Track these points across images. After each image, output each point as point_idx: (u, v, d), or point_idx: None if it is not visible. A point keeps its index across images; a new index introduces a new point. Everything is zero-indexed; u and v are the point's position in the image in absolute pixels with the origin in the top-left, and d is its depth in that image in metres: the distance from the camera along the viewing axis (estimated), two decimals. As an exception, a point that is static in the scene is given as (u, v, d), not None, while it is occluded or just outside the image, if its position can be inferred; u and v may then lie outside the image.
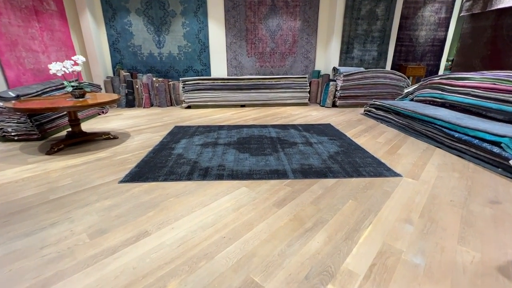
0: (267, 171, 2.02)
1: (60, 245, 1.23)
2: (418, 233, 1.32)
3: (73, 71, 2.48)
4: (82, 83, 2.79)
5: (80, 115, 3.50)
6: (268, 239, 1.27)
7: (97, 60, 4.37)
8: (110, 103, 2.54)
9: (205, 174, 1.97)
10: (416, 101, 3.67)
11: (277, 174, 1.97)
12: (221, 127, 3.32)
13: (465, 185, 1.82)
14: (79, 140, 2.63)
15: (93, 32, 4.27)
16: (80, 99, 2.54)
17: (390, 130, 3.21)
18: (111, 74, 4.72)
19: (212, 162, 2.20)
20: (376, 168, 2.07)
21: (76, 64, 2.55)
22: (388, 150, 2.51)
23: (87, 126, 3.37)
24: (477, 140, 2.23)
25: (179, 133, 3.07)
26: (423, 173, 2.01)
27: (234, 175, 1.95)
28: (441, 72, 5.63)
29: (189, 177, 1.92)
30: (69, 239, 1.27)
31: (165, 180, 1.88)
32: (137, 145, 2.64)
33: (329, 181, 1.86)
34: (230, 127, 3.31)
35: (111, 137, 2.83)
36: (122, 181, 1.86)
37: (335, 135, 2.99)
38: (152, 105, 4.78)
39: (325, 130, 3.18)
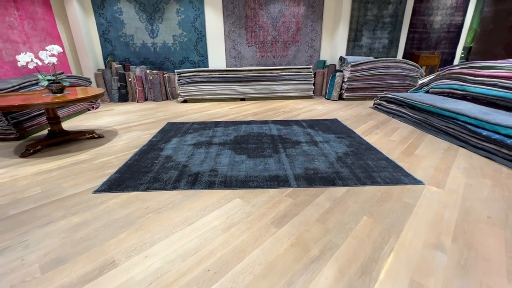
0: (266, 178, 1.75)
1: (2, 282, 0.99)
2: (454, 265, 1.04)
3: (48, 63, 2.21)
4: (61, 76, 2.51)
5: (65, 111, 3.25)
6: (263, 274, 1.01)
7: (87, 52, 4.09)
8: (91, 98, 2.27)
9: (194, 181, 1.71)
10: (432, 93, 3.33)
11: (277, 181, 1.70)
12: (217, 124, 3.04)
13: (501, 195, 1.53)
14: (59, 140, 2.39)
15: (81, 20, 3.97)
16: (58, 95, 2.27)
17: (404, 126, 2.89)
18: (102, 66, 4.43)
19: (203, 166, 1.94)
20: (392, 173, 1.79)
21: (52, 55, 2.27)
22: (404, 150, 2.21)
23: (72, 123, 3.12)
24: (511, 140, 1.91)
25: (171, 130, 2.81)
26: (448, 179, 1.72)
27: (228, 183, 1.68)
28: (456, 62, 5.22)
29: (175, 185, 1.66)
30: (16, 272, 1.03)
31: (147, 189, 1.62)
32: (123, 146, 2.38)
33: (338, 190, 1.58)
34: (227, 124, 3.03)
35: (96, 136, 2.57)
36: (97, 191, 1.61)
37: (343, 132, 2.69)
38: (146, 99, 4.51)
39: (332, 127, 2.88)
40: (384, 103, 3.53)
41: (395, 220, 1.31)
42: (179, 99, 4.35)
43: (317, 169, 1.86)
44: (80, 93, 2.42)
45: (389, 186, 1.63)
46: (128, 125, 3.06)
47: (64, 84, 2.30)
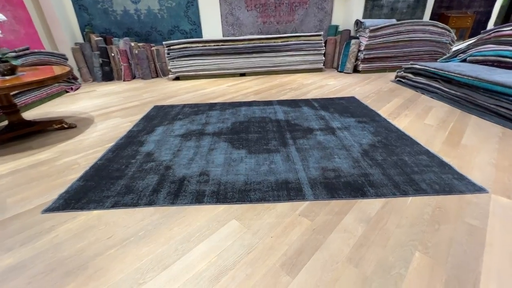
0: (272, 184, 1.32)
1: None
2: None
3: (-11, 36, 1.71)
4: (7, 53, 2.01)
5: (36, 95, 2.78)
6: None
7: (59, 22, 3.49)
8: (50, 81, 1.80)
9: (178, 191, 1.30)
10: (472, 62, 2.75)
11: (288, 189, 1.28)
12: (212, 106, 2.56)
13: None
14: (19, 133, 1.96)
15: (48, -17, 3.33)
16: (7, 77, 1.80)
17: (438, 104, 2.38)
18: (80, 39, 3.86)
19: (192, 166, 1.51)
20: (439, 175, 1.34)
21: (-5, 25, 1.75)
22: (447, 138, 1.74)
23: (43, 110, 2.67)
24: None
25: (156, 116, 2.35)
26: (517, 183, 1.28)
27: (222, 194, 1.27)
28: (491, 23, 4.47)
29: (152, 198, 1.25)
30: None
31: (114, 205, 1.22)
32: (96, 139, 1.95)
33: (371, 205, 1.16)
34: (224, 106, 2.55)
35: (66, 126, 2.14)
36: (47, 210, 1.21)
37: (364, 114, 2.20)
38: (134, 77, 3.99)
39: (350, 108, 2.39)
40: (410, 75, 2.97)
41: (463, 257, 0.90)
42: (170, 76, 3.82)
43: (339, 170, 1.43)
44: (39, 74, 1.94)
45: (440, 196, 1.20)
46: (108, 110, 2.60)
47: (14, 63, 1.81)
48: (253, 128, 2.01)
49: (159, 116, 2.36)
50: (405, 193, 1.22)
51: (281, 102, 2.61)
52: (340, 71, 3.89)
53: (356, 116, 2.17)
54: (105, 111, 2.56)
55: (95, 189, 1.34)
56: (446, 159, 1.49)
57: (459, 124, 1.95)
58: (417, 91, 2.78)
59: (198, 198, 1.24)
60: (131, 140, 1.89)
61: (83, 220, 1.14)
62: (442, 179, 1.31)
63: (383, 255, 0.91)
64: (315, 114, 2.25)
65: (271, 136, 1.86)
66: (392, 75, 3.50)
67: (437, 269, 0.86)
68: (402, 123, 2.00)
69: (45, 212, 1.20)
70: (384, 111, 2.26)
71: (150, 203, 1.22)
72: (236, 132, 1.96)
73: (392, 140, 1.74)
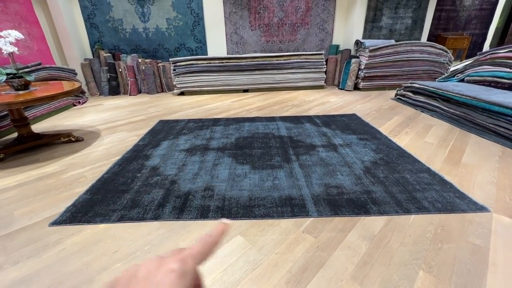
0: (276, 200, 1.34)
1: None
2: None
3: (6, 53, 1.79)
4: (21, 68, 2.10)
5: (45, 108, 2.86)
6: None
7: (70, 39, 3.64)
8: (61, 96, 1.87)
9: (183, 206, 1.32)
10: (469, 82, 2.83)
11: (291, 205, 1.30)
12: (216, 122, 2.62)
13: None
14: (28, 146, 2.00)
15: (62, 3, 3.50)
16: (21, 92, 1.87)
17: (437, 122, 2.43)
18: (89, 55, 4.00)
19: (196, 181, 1.54)
20: (441, 194, 1.36)
21: (12, 43, 1.84)
22: (448, 157, 1.77)
23: (51, 123, 2.73)
24: None
25: (162, 131, 2.40)
26: (519, 202, 1.29)
27: (226, 209, 1.29)
28: (487, 44, 4.62)
29: (157, 213, 1.27)
30: None
31: (120, 219, 1.24)
32: (103, 152, 1.99)
33: (374, 222, 1.17)
34: (228, 121, 2.61)
35: (73, 139, 2.18)
36: (55, 223, 1.23)
37: (365, 131, 2.25)
38: (140, 92, 4.09)
39: (351, 125, 2.44)
40: (410, 94, 3.04)
41: (467, 277, 0.90)
42: (175, 91, 3.92)
43: (341, 187, 1.45)
44: (50, 89, 2.01)
45: (442, 214, 1.21)
46: (115, 124, 2.66)
47: (28, 78, 1.89)
48: (256, 144, 2.05)
49: (164, 130, 2.41)
50: (407, 211, 1.24)
51: (284, 118, 2.66)
52: (341, 89, 3.98)
53: (358, 133, 2.21)
54: (112, 125, 2.62)
55: (102, 203, 1.36)
56: (447, 177, 1.51)
57: (459, 142, 1.99)
58: (416, 109, 2.84)
59: (203, 213, 1.26)
60: (137, 154, 1.92)
61: (89, 233, 1.15)
62: (444, 198, 1.33)
63: (387, 274, 0.92)
64: (317, 131, 2.29)
65: (275, 152, 1.90)
66: (392, 93, 3.58)
67: (442, 289, 0.86)
68: (403, 141, 2.04)
69: (52, 225, 1.21)
70: (385, 129, 2.30)
71: (156, 217, 1.24)
72: (240, 147, 2.00)
73: (393, 157, 1.77)
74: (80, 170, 1.72)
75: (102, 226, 1.20)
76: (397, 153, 1.83)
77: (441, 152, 1.83)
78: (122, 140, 2.22)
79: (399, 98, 3.25)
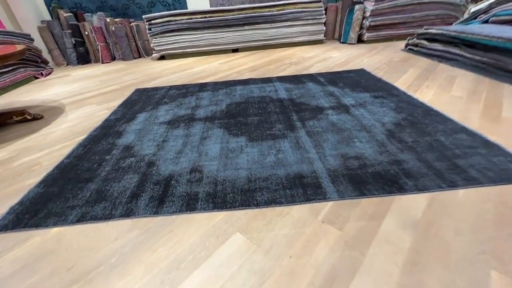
0: (282, 180, 1.05)
1: None
2: None
3: None
4: None
5: (-4, 82, 2.39)
6: None
7: (19, -4, 3.01)
8: (19, 55, 1.45)
9: (163, 196, 1.02)
10: (495, 22, 2.42)
11: (303, 186, 1.01)
12: (203, 87, 2.23)
13: None
14: (-29, 129, 1.63)
15: None
16: None
17: (461, 73, 2.08)
18: (47, 17, 3.37)
19: (180, 161, 1.22)
20: (489, 159, 1.08)
21: None
22: (483, 112, 1.47)
23: (7, 99, 2.30)
24: None
25: (138, 101, 2.02)
26: None
27: (219, 197, 0.99)
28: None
29: (129, 207, 0.97)
30: None
31: (80, 220, 0.94)
32: (65, 131, 1.63)
33: (413, 202, 0.90)
34: (216, 86, 2.22)
35: (29, 117, 1.80)
36: (-8, 230, 0.92)
37: (379, 88, 1.90)
38: (114, 59, 3.57)
39: (361, 81, 2.08)
40: (424, 42, 2.64)
41: (557, 276, 0.65)
42: (154, 55, 3.41)
43: (363, 157, 1.15)
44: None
45: (498, 186, 0.94)
46: (82, 96, 2.25)
47: None
48: (252, 110, 1.70)
49: (141, 100, 2.03)
50: (453, 185, 0.96)
51: (282, 79, 2.28)
52: (343, 42, 3.52)
53: (371, 91, 1.87)
54: (79, 98, 2.21)
55: (58, 198, 1.05)
56: (490, 137, 1.22)
57: (492, 94, 1.67)
58: (433, 60, 2.47)
59: (190, 204, 0.97)
60: (107, 131, 1.57)
61: (37, 243, 0.86)
62: (494, 164, 1.05)
63: (448, 279, 0.66)
64: (322, 90, 1.94)
65: (275, 119, 1.56)
66: (400, 44, 3.16)
67: (530, 298, 0.61)
68: (426, 96, 1.71)
69: (-12, 233, 0.91)
70: (401, 84, 1.96)
71: (128, 213, 0.94)
72: (232, 115, 1.65)
73: (419, 117, 1.46)
74: (34, 156, 1.38)
75: (55, 230, 0.90)
76: (422, 111, 1.51)
77: (474, 107, 1.53)
78: (90, 115, 1.85)
79: (410, 49, 2.84)
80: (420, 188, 0.96)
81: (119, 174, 1.16)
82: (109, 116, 1.79)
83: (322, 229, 0.83)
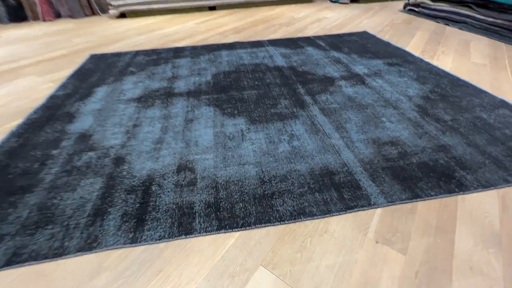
0: (306, 178, 0.78)
1: None
2: None
3: None
4: None
5: None
6: None
7: None
8: None
9: (142, 210, 0.70)
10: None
11: (336, 186, 0.75)
12: (179, 52, 1.80)
13: None
14: None
15: None
16: None
17: (473, 37, 1.88)
18: (-45, -46, 2.51)
19: (161, 155, 0.89)
20: (547, 140, 0.90)
21: None
22: (515, 82, 1.28)
23: None
24: None
25: (95, 71, 1.56)
26: None
27: (224, 208, 0.71)
28: None
29: (92, 233, 0.65)
30: None
31: (12, 260, 0.61)
32: (-9, 114, 1.18)
33: (480, 203, 0.69)
34: (195, 51, 1.80)
35: None
36: None
37: (391, 54, 1.64)
38: (59, 16, 2.86)
39: (367, 46, 1.79)
40: (428, 1, 2.37)
41: None
42: (111, 12, 2.78)
43: (400, 142, 0.92)
44: None
45: None
46: (17, 64, 1.71)
47: None
48: (246, 82, 1.36)
49: (99, 70, 1.57)
50: (522, 178, 0.77)
51: (274, 43, 1.91)
52: (334, 1, 3.14)
53: (382, 57, 1.60)
54: (12, 67, 1.67)
55: (-24, 222, 0.69)
56: (536, 112, 1.04)
57: (516, 61, 1.50)
58: (438, 22, 2.23)
59: (184, 223, 0.67)
60: (53, 113, 1.15)
61: None
62: (555, 146, 0.87)
63: None
64: (326, 57, 1.63)
65: (278, 93, 1.25)
66: (397, 4, 2.87)
67: None
68: (446, 64, 1.49)
69: None
70: (413, 49, 1.71)
71: (89, 245, 0.63)
72: (222, 89, 1.30)
73: (447, 88, 1.24)
74: None
75: (-30, 282, 0.57)
76: (449, 82, 1.29)
77: (502, 76, 1.34)
78: (27, 90, 1.38)
79: (411, 10, 2.57)
80: (484, 184, 0.75)
81: (73, 178, 0.82)
82: (56, 91, 1.34)
83: (378, 253, 0.59)
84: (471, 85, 1.25)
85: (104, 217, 0.69)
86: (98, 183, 0.79)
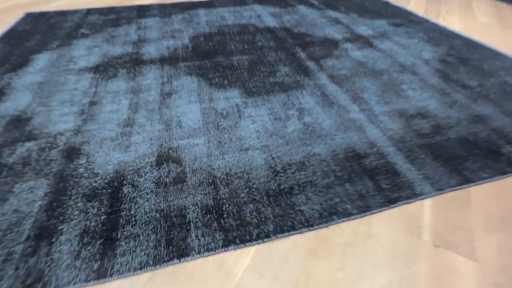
0: (330, 164, 0.61)
1: None
2: None
3: None
4: None
5: None
6: None
7: None
8: None
9: (112, 224, 0.49)
10: None
11: (366, 172, 0.59)
12: (144, 11, 1.46)
13: None
14: None
15: None
16: None
17: (472, -4, 1.75)
18: None
19: (132, 142, 0.66)
20: None
21: None
22: (528, 43, 1.18)
23: None
24: None
25: (33, 33, 1.20)
26: None
27: (229, 213, 0.52)
28: None
29: (31, 277, 0.44)
30: None
31: None
32: None
33: (541, 185, 0.58)
34: (165, 9, 1.48)
35: None
36: None
37: (393, 13, 1.45)
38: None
39: (366, 4, 1.59)
40: (422, -42, 2.16)
41: None
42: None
43: (429, 113, 0.76)
44: None
45: None
46: None
47: None
48: (234, 45, 1.11)
49: (38, 32, 1.21)
50: None
51: (260, 0, 1.63)
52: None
53: (385, 17, 1.41)
54: None
55: None
56: (561, 75, 0.94)
57: (523, 21, 1.39)
58: (433, -19, 2.06)
59: (174, 241, 0.47)
60: (-30, 89, 0.84)
61: None
62: None
63: None
64: (322, 16, 1.41)
65: (274, 58, 1.03)
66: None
67: None
68: (452, 24, 1.34)
69: None
70: (415, 8, 1.54)
71: (35, 281, 0.41)
72: (205, 54, 1.05)
73: (463, 51, 1.10)
74: None
75: None
76: (463, 44, 1.15)
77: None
78: None
79: (402, -32, 2.35)
80: (537, 160, 0.63)
81: (3, 181, 0.56)
82: (-24, 59, 0.99)
83: (441, 260, 0.45)
84: (487, 47, 1.12)
85: (53, 240, 0.47)
86: (42, 188, 0.55)
